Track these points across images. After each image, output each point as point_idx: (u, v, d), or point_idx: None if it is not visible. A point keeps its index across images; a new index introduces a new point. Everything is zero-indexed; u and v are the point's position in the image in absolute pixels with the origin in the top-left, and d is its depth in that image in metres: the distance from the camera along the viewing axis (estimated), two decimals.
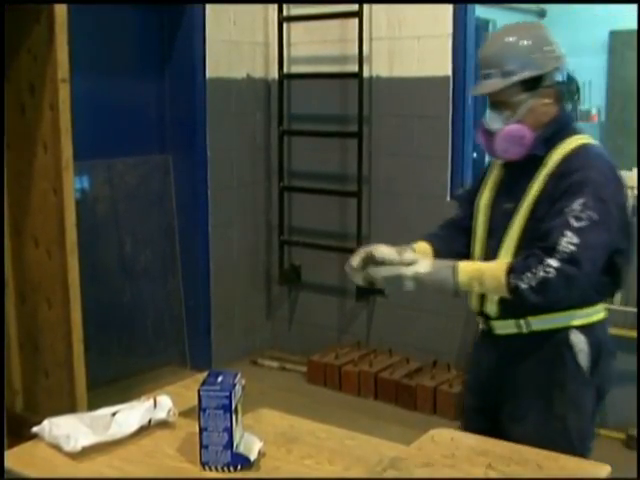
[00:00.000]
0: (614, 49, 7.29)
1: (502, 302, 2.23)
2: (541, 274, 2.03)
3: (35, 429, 2.02)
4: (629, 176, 4.13)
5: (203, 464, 1.87)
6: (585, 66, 7.36)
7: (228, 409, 1.84)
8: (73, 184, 3.53)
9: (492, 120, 2.22)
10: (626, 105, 6.77)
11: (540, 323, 2.22)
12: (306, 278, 5.17)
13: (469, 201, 2.44)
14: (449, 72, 4.45)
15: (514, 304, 2.14)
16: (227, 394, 1.84)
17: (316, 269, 5.11)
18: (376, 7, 4.65)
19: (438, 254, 2.36)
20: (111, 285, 4.68)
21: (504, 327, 2.27)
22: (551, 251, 2.04)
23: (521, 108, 2.18)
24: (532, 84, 2.18)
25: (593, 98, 7.48)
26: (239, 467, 1.86)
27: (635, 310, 3.93)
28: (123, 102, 4.65)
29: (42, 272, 3.62)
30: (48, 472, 1.90)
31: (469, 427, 2.34)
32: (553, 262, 2.03)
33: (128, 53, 4.74)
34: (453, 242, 2.44)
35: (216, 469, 1.86)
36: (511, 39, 2.21)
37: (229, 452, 1.85)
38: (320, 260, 5.06)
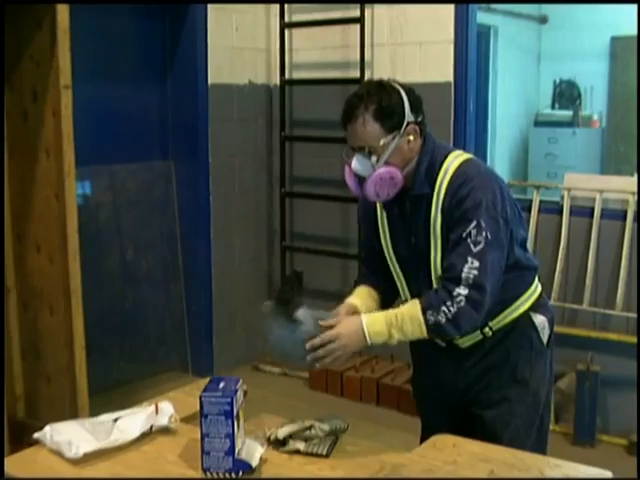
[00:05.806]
0: (615, 55, 7.29)
1: None
2: (455, 306, 2.11)
3: (36, 435, 2.02)
4: (630, 182, 4.13)
5: (205, 470, 1.87)
6: (587, 72, 7.39)
7: (230, 415, 1.84)
8: (75, 190, 3.54)
9: (360, 165, 2.21)
10: (627, 111, 6.77)
11: (500, 321, 2.30)
12: (308, 284, 5.16)
13: (372, 249, 2.45)
14: (451, 78, 4.45)
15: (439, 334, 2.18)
16: (229, 400, 1.84)
17: (318, 275, 5.11)
18: (378, 13, 4.66)
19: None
20: (113, 291, 4.68)
21: (470, 340, 2.32)
22: (457, 280, 2.12)
23: (387, 151, 2.19)
24: (395, 127, 2.20)
25: (594, 104, 7.49)
26: (241, 473, 1.86)
27: (635, 316, 3.93)
28: (125, 108, 4.65)
29: (44, 278, 3.62)
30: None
31: (434, 428, 2.34)
32: (461, 290, 2.11)
33: (130, 59, 4.74)
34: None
35: (218, 475, 1.86)
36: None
37: (231, 458, 1.85)
38: (322, 266, 5.06)
